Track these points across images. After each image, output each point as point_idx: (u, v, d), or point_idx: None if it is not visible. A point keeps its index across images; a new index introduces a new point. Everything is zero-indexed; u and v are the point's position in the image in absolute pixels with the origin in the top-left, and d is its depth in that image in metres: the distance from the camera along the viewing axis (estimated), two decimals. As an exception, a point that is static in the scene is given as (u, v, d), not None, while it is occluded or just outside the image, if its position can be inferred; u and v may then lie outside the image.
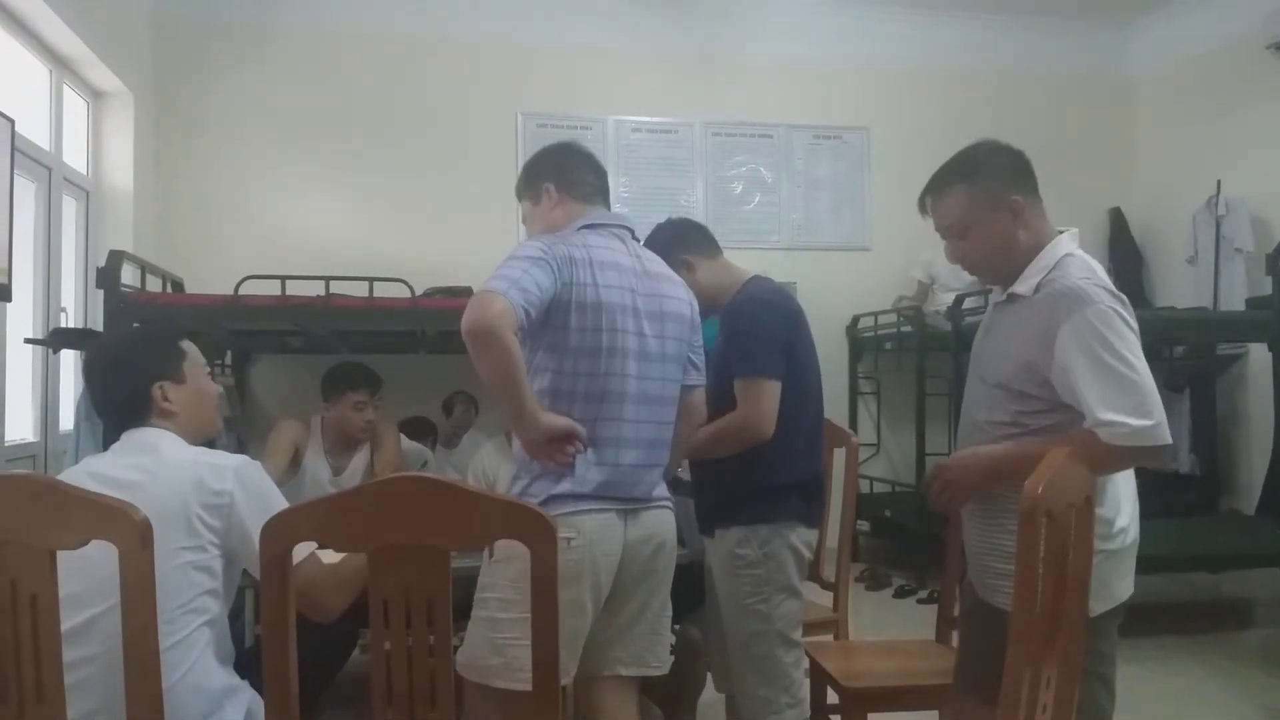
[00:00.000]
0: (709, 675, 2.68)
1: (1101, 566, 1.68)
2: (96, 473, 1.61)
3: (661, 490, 1.94)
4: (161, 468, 1.65)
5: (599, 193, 2.01)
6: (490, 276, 1.70)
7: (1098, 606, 1.67)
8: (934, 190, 1.82)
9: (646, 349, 1.85)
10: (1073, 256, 1.73)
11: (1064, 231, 1.79)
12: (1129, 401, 1.56)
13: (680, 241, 2.30)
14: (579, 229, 1.89)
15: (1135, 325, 1.63)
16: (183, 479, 1.63)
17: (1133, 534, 1.74)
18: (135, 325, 3.23)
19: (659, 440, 1.91)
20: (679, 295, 1.96)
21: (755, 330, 2.15)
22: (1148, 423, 1.55)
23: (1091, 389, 1.57)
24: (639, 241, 2.01)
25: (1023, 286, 1.72)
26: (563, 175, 2.00)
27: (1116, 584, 1.72)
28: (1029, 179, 1.77)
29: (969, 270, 1.85)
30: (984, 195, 1.73)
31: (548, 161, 2.03)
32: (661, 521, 1.91)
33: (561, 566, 1.57)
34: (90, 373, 1.86)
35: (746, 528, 2.14)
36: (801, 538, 2.18)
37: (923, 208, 1.85)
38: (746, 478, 2.15)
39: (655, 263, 1.97)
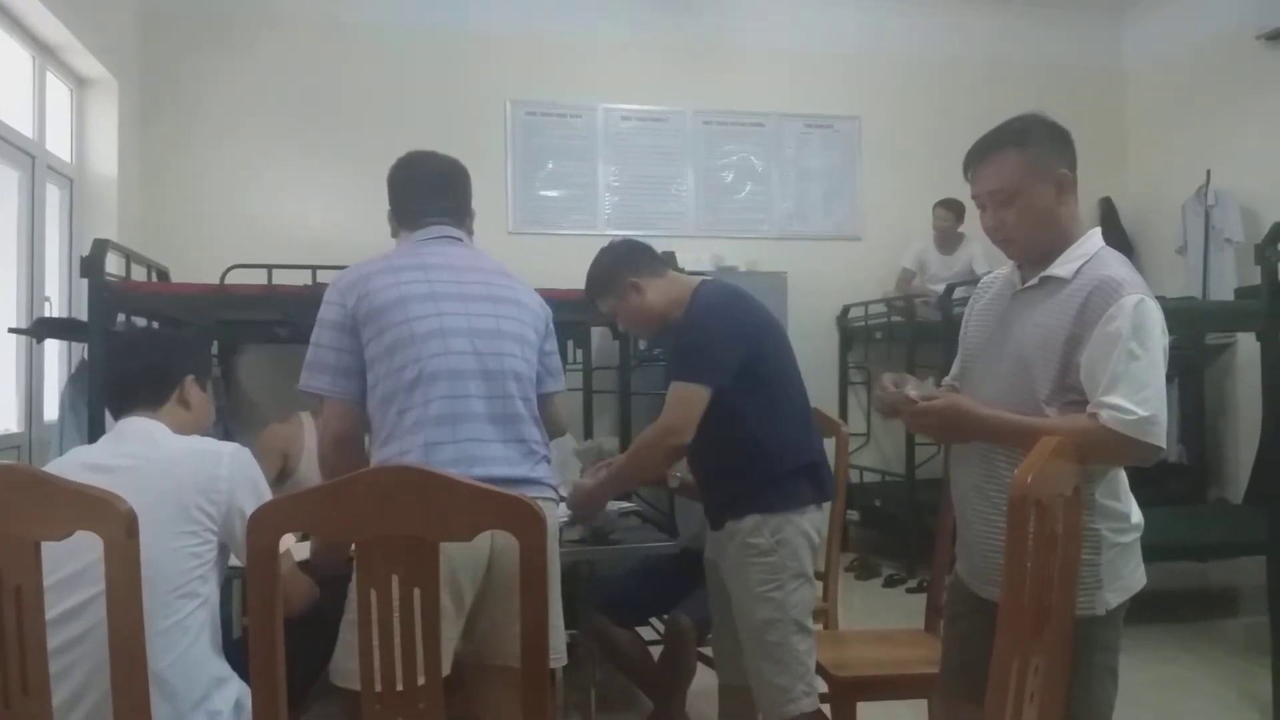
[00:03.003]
0: (710, 665, 2.69)
1: (1116, 560, 1.69)
2: (89, 463, 1.62)
3: (531, 471, 1.91)
4: (155, 453, 1.67)
5: (428, 212, 2.06)
6: (306, 359, 1.88)
7: (1113, 599, 1.68)
8: (982, 153, 1.76)
9: (471, 326, 1.90)
10: (1108, 250, 1.73)
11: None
12: (1140, 393, 1.57)
13: (625, 266, 2.30)
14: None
15: (1166, 330, 1.64)
16: (179, 466, 1.65)
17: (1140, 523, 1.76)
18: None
19: (508, 415, 1.90)
20: (512, 285, 2.04)
21: (701, 340, 2.15)
22: (1149, 414, 1.56)
23: (1110, 372, 1.58)
24: (469, 240, 2.10)
25: (1061, 269, 1.70)
26: (396, 207, 2.09)
27: (1130, 575, 1.72)
28: (1074, 158, 1.75)
29: (1002, 242, 1.78)
30: (1036, 163, 1.70)
31: (390, 195, 2.12)
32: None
33: None
34: (124, 343, 1.91)
35: (758, 516, 2.14)
36: (813, 522, 2.19)
37: (966, 172, 1.80)
38: (751, 471, 2.16)
39: (485, 260, 2.05)
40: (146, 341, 1.97)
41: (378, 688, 1.27)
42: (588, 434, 4.63)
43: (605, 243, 2.42)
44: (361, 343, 1.87)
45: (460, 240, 2.06)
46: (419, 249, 2.00)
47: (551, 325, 2.11)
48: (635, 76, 5.73)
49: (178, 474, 1.63)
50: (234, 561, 1.76)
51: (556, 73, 5.60)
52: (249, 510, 1.61)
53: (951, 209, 5.30)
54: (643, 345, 4.61)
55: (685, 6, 5.77)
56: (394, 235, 2.11)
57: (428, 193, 2.09)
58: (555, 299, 3.58)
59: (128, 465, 1.61)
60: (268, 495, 1.72)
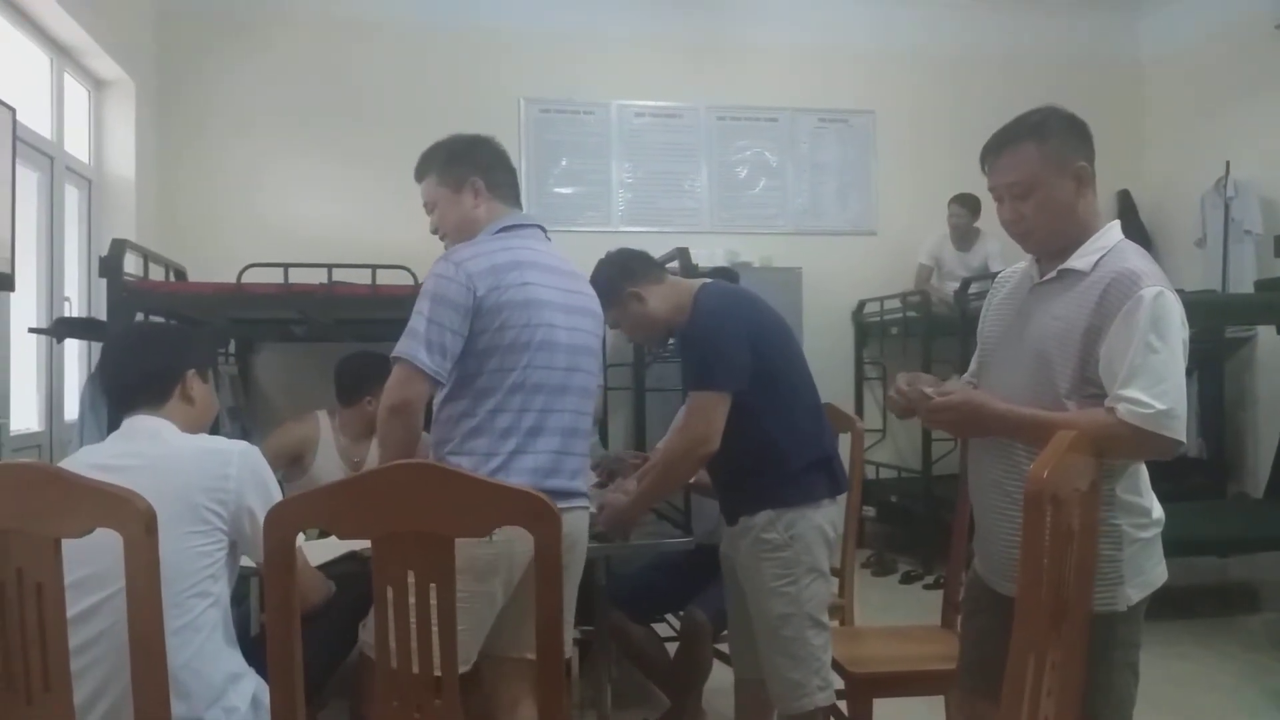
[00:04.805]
0: (727, 662, 2.69)
1: (1138, 555, 1.68)
2: (97, 463, 1.61)
3: (581, 484, 2.02)
4: (163, 453, 1.66)
5: (515, 195, 2.12)
6: (405, 331, 1.86)
7: (1135, 594, 1.67)
8: (1000, 146, 1.74)
9: (569, 341, 1.97)
10: (1127, 242, 1.71)
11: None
12: (1158, 386, 1.55)
13: (625, 276, 2.31)
14: (497, 231, 2.00)
15: (1186, 323, 1.63)
16: (186, 465, 1.65)
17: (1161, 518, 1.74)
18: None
19: (576, 429, 2.00)
20: (588, 292, 2.10)
21: (705, 345, 2.17)
22: (1167, 407, 1.55)
23: (1128, 365, 1.57)
24: (549, 240, 2.13)
25: (1080, 262, 1.69)
26: (490, 174, 2.07)
27: (1151, 570, 1.71)
28: (1092, 150, 1.74)
29: (1019, 235, 1.77)
30: (1054, 156, 1.69)
31: (474, 156, 2.09)
32: (578, 521, 1.99)
33: (480, 561, 1.61)
34: (122, 344, 1.90)
35: (772, 511, 2.15)
36: (827, 516, 2.20)
37: (983, 164, 1.79)
38: (765, 468, 2.17)
39: (567, 262, 2.08)
40: (145, 339, 1.94)
41: (395, 679, 1.28)
42: (603, 430, 4.63)
43: (619, 240, 2.43)
44: (473, 328, 1.88)
45: (540, 236, 2.09)
46: (529, 242, 2.03)
47: (605, 327, 2.18)
48: (648, 73, 5.72)
49: (185, 473, 1.63)
50: (246, 561, 1.77)
51: (570, 69, 5.60)
52: (258, 509, 1.62)
53: (966, 205, 5.27)
54: (655, 348, 4.63)
55: (698, 2, 5.76)
56: (460, 196, 2.06)
57: (509, 170, 2.13)
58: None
59: (135, 465, 1.60)
60: (277, 495, 1.72)
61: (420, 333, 1.85)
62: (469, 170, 2.06)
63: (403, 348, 1.85)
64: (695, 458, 2.16)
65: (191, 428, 1.79)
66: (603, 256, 2.39)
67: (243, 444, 1.73)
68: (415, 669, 1.27)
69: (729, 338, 2.15)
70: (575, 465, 2.00)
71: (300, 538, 1.32)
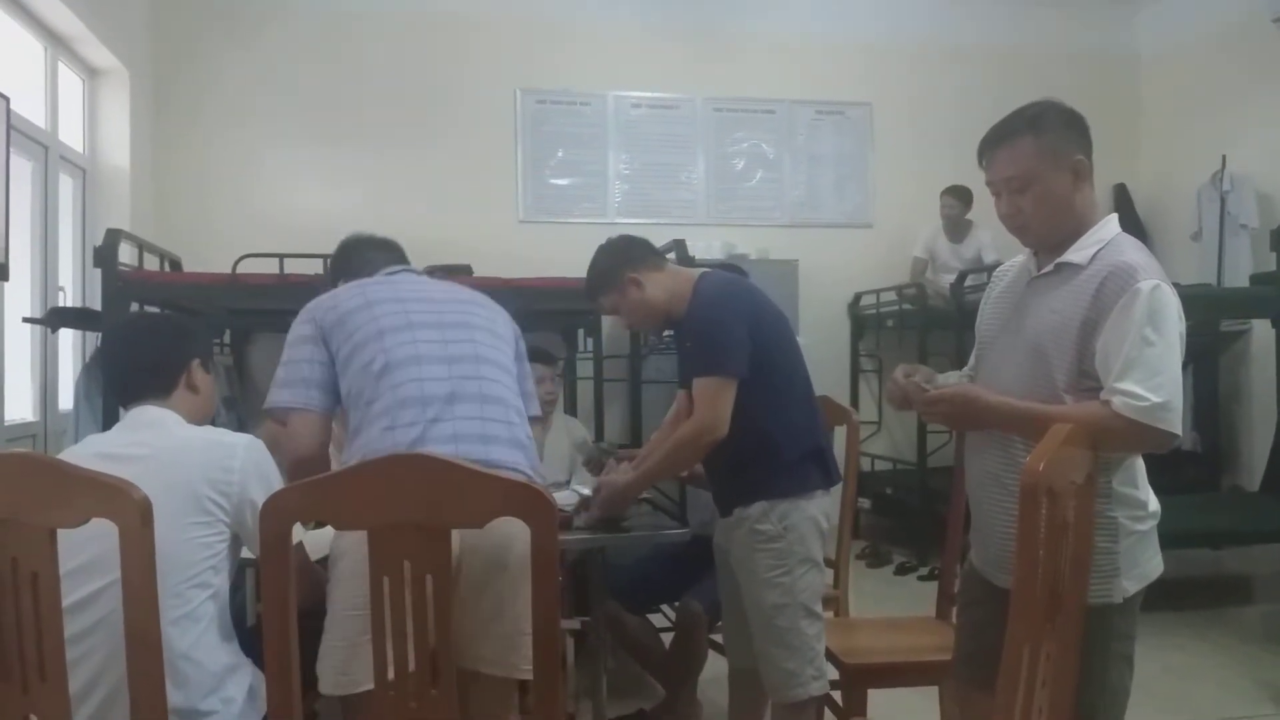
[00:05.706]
0: (722, 652, 2.69)
1: (1134, 548, 1.68)
2: (102, 452, 1.62)
3: (501, 453, 1.82)
4: (168, 443, 1.67)
5: (387, 261, 2.15)
6: (275, 380, 1.88)
7: (1131, 586, 1.68)
8: (997, 140, 1.74)
9: (437, 319, 1.92)
10: (1124, 236, 1.71)
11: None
12: (1153, 379, 1.55)
13: (624, 262, 2.30)
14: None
15: (1183, 317, 1.63)
16: (191, 456, 1.65)
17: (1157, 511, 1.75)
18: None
19: (478, 396, 1.86)
20: (464, 297, 2.05)
21: (709, 332, 2.17)
22: (1162, 400, 1.55)
23: (1124, 358, 1.57)
24: (426, 275, 2.15)
25: (1077, 256, 1.69)
26: (346, 267, 2.17)
27: (1147, 563, 1.72)
28: (1089, 144, 1.74)
29: (1016, 229, 1.77)
30: (1050, 150, 1.69)
31: (334, 266, 2.23)
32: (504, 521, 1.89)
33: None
34: (124, 335, 1.91)
35: (766, 502, 2.15)
36: (820, 507, 2.20)
37: (980, 159, 1.79)
38: (759, 460, 2.17)
39: (448, 289, 2.08)
40: (148, 330, 1.94)
41: (390, 675, 1.28)
42: (599, 421, 4.63)
43: (615, 231, 2.42)
44: (333, 350, 1.87)
45: (406, 279, 2.07)
46: (389, 279, 2.04)
47: (523, 347, 2.11)
48: (645, 64, 5.71)
49: (190, 464, 1.64)
50: (247, 553, 1.77)
51: (566, 60, 5.58)
52: (260, 502, 1.62)
53: (959, 196, 5.27)
54: (651, 336, 4.62)
55: (695, -7, 5.74)
56: None
57: (375, 246, 2.18)
58: (565, 288, 3.60)
59: (141, 455, 1.61)
60: (279, 487, 1.72)
61: (280, 378, 1.87)
62: (335, 278, 2.17)
63: (269, 400, 1.86)
64: (703, 444, 2.15)
65: (195, 418, 1.80)
66: (603, 242, 2.39)
67: (247, 437, 1.74)
68: (412, 659, 1.27)
69: (731, 325, 2.15)
70: (470, 430, 1.81)
71: (299, 528, 1.32)
